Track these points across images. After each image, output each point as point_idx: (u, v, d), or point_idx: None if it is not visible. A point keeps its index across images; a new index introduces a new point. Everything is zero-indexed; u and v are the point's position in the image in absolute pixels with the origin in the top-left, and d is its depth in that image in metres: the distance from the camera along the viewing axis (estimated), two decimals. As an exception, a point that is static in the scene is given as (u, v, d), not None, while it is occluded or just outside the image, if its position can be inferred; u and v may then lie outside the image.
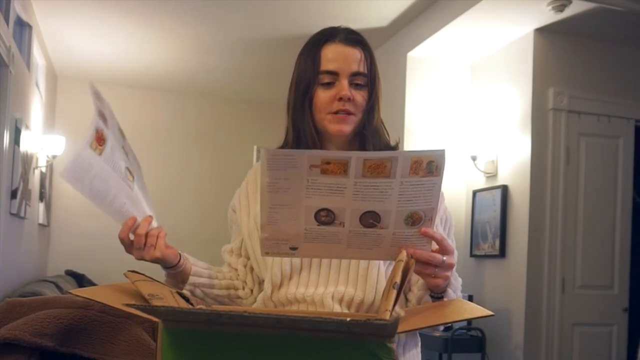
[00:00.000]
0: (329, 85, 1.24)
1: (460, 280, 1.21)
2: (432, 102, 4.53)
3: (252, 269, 1.38)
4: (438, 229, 1.25)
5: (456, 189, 4.51)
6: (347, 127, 1.25)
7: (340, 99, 1.23)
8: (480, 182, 4.37)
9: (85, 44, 5.08)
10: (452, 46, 4.32)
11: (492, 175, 4.26)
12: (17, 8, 3.81)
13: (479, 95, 4.51)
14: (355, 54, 1.25)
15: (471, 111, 4.55)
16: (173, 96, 6.37)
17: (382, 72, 1.30)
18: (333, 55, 1.24)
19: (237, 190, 1.42)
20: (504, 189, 4.11)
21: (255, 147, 6.24)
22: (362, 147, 1.27)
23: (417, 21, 4.34)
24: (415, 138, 4.46)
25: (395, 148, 1.32)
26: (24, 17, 4.08)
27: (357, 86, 1.24)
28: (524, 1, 3.61)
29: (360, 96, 1.24)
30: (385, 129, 1.33)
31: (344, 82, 1.23)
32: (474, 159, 4.33)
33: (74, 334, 1.22)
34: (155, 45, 5.06)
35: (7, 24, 3.49)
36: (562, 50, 4.05)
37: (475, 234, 4.38)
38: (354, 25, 1.31)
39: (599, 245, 4.02)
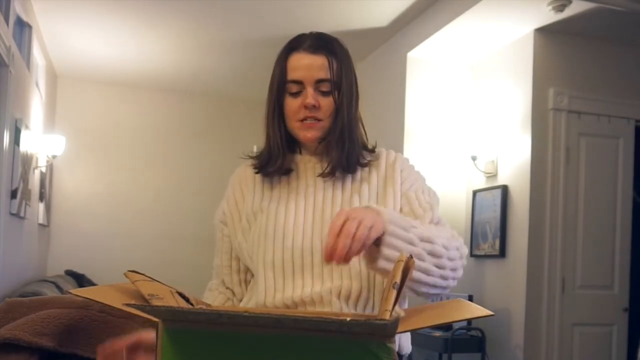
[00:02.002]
0: (296, 94, 1.28)
1: (424, 232, 1.14)
2: (432, 102, 4.53)
3: (246, 283, 1.37)
4: (404, 185, 1.31)
5: (456, 189, 4.51)
6: (315, 134, 1.29)
7: (306, 107, 1.27)
8: (480, 182, 4.37)
9: (85, 44, 5.08)
10: (452, 46, 4.32)
11: (492, 175, 4.26)
12: (17, 8, 3.81)
13: (479, 95, 4.51)
14: (319, 61, 1.28)
15: (471, 111, 4.55)
16: (174, 96, 6.37)
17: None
18: (297, 64, 1.28)
19: (221, 203, 1.42)
20: (504, 189, 4.11)
21: (255, 147, 6.23)
22: (332, 151, 1.30)
23: (416, 21, 4.34)
24: (415, 138, 4.45)
25: (372, 151, 1.37)
26: (24, 17, 4.08)
27: (323, 93, 1.28)
28: (524, 1, 3.61)
29: (327, 102, 1.28)
30: (364, 131, 1.35)
31: (309, 90, 1.27)
32: (474, 159, 4.33)
33: (74, 334, 1.22)
34: (155, 45, 5.06)
35: (7, 24, 3.49)
36: (562, 50, 4.05)
37: (475, 234, 4.38)
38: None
39: (599, 245, 4.02)
